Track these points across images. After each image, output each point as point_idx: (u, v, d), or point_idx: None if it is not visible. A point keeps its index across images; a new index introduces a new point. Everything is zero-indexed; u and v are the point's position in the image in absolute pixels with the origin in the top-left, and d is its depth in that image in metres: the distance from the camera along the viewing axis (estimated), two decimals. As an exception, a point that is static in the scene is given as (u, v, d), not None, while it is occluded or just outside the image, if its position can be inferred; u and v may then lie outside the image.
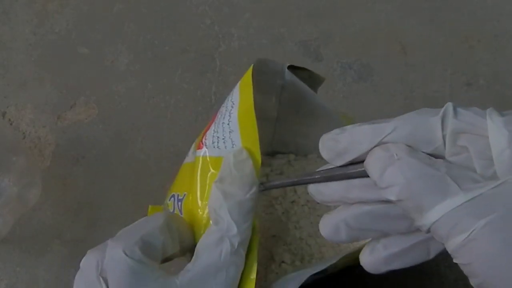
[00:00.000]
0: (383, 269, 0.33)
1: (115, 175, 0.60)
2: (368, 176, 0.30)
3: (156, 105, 0.64)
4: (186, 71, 0.66)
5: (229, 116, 0.40)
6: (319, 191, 0.33)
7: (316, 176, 0.33)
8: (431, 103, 0.62)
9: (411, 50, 0.67)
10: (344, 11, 0.71)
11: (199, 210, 0.38)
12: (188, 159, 0.43)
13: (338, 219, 0.32)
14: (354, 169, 0.31)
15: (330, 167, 0.33)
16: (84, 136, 0.62)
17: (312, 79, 0.48)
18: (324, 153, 0.32)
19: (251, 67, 0.41)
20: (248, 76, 0.41)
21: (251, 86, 0.41)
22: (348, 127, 0.31)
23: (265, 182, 0.36)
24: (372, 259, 0.33)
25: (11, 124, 0.63)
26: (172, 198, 0.41)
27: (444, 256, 0.54)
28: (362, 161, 0.30)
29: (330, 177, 0.32)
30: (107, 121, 0.63)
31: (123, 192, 0.59)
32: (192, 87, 0.65)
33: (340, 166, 0.32)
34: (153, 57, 0.68)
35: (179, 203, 0.41)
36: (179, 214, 0.41)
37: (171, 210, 0.41)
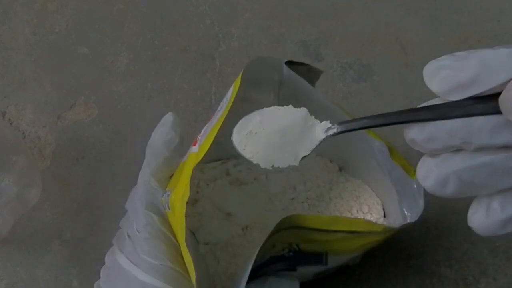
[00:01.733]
0: (499, 232, 0.27)
1: (115, 175, 0.60)
2: (496, 114, 0.24)
3: (156, 105, 0.64)
4: (186, 71, 0.66)
5: (220, 114, 0.41)
6: (426, 132, 0.27)
7: (421, 113, 0.28)
8: (431, 103, 0.62)
9: (411, 50, 0.67)
10: (344, 11, 0.71)
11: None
12: (184, 157, 0.44)
13: (448, 170, 0.26)
14: (478, 104, 0.25)
15: (437, 102, 0.27)
16: (84, 136, 0.62)
17: (311, 73, 0.48)
18: (434, 84, 0.27)
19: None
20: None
21: (238, 86, 0.41)
22: (474, 51, 0.25)
23: (341, 123, 0.32)
24: (489, 221, 0.27)
25: (11, 124, 0.63)
26: (165, 195, 0.42)
27: (445, 256, 0.54)
28: (486, 96, 0.25)
29: (443, 114, 0.26)
30: (107, 121, 0.63)
31: (123, 192, 0.59)
32: (192, 87, 0.65)
33: (454, 102, 0.26)
34: (153, 57, 0.68)
35: (167, 198, 0.41)
36: (168, 210, 0.41)
37: (164, 206, 0.41)
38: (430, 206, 0.57)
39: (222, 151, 0.52)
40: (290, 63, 0.45)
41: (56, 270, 0.54)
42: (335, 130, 0.32)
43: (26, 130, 0.63)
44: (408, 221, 0.43)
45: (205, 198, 0.50)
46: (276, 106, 0.34)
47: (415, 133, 0.28)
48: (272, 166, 0.33)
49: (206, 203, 0.50)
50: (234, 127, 0.34)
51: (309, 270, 0.45)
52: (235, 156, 0.53)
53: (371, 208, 0.51)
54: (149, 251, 0.40)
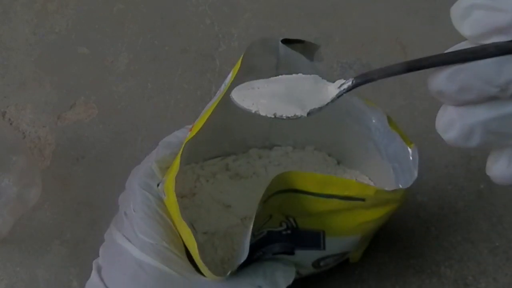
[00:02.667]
0: None
1: (115, 175, 0.60)
2: None
3: (156, 105, 0.64)
4: (186, 71, 0.66)
5: (216, 97, 0.41)
6: (458, 81, 0.24)
7: (450, 56, 0.24)
8: (431, 104, 0.62)
9: (411, 50, 0.67)
10: (344, 11, 0.71)
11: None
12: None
13: (475, 120, 0.24)
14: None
15: (467, 47, 0.24)
16: (84, 136, 0.62)
17: (307, 49, 0.47)
18: (465, 27, 0.24)
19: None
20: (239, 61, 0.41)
21: (237, 70, 0.40)
22: None
23: (357, 76, 0.28)
24: (510, 172, 0.25)
25: (11, 124, 0.63)
26: (161, 183, 0.42)
27: (445, 256, 0.54)
28: None
29: (476, 55, 0.23)
30: (107, 121, 0.63)
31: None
32: (192, 87, 0.65)
33: (489, 43, 0.23)
34: (153, 57, 0.68)
35: (162, 185, 0.42)
36: (164, 196, 0.42)
37: (160, 193, 0.42)
38: (430, 206, 0.57)
39: (222, 149, 0.53)
40: (286, 42, 0.44)
41: (56, 270, 0.54)
42: (349, 84, 0.28)
43: (26, 130, 0.63)
44: (401, 187, 0.42)
45: (204, 191, 0.50)
46: (284, 75, 0.31)
47: (443, 82, 0.25)
48: (274, 114, 0.29)
49: (205, 196, 0.50)
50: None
51: (307, 256, 0.44)
52: (235, 152, 0.53)
53: None
54: (145, 231, 0.40)
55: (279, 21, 0.70)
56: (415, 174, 0.41)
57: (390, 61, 0.70)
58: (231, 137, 0.52)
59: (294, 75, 0.31)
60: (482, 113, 0.24)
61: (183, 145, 0.41)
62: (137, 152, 0.61)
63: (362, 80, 0.28)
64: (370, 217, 0.42)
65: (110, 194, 0.59)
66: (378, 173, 0.49)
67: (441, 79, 0.25)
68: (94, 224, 0.57)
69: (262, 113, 0.29)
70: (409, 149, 0.43)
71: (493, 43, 0.23)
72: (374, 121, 0.46)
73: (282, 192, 0.40)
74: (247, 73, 0.43)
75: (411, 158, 0.42)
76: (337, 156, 0.54)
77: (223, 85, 0.43)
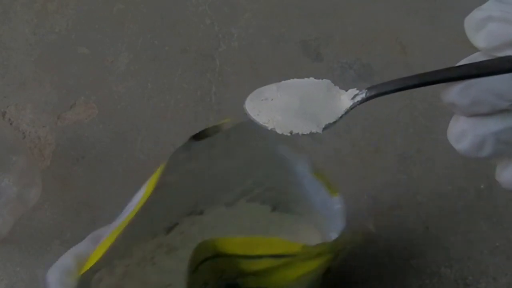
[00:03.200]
0: None
1: (115, 175, 0.60)
2: None
3: (156, 105, 0.64)
4: (186, 71, 0.66)
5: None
6: (471, 95, 0.24)
7: (463, 70, 0.24)
8: (431, 104, 0.62)
9: (411, 50, 0.67)
10: (344, 11, 0.71)
11: None
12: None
13: (487, 131, 0.24)
14: None
15: (480, 59, 0.24)
16: (84, 136, 0.62)
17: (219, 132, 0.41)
18: (479, 39, 0.24)
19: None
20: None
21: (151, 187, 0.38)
22: None
23: (371, 88, 0.28)
24: None
25: (11, 124, 0.63)
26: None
27: (445, 256, 0.54)
28: None
29: (490, 70, 0.23)
30: (107, 121, 0.63)
31: (123, 192, 0.59)
32: (192, 87, 0.65)
33: (502, 57, 0.23)
34: (153, 57, 0.68)
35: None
36: None
37: None
38: (430, 206, 0.57)
39: (152, 229, 0.46)
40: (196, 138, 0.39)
41: (56, 270, 0.54)
42: (363, 96, 0.28)
43: (26, 130, 0.63)
44: (326, 239, 0.40)
45: (136, 280, 0.45)
46: (295, 79, 0.30)
47: (456, 96, 0.25)
48: (291, 132, 0.29)
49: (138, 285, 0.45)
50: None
51: None
52: (166, 226, 0.47)
53: (311, 240, 0.47)
54: None
55: (279, 21, 0.70)
56: (342, 224, 0.38)
57: (390, 61, 0.70)
58: (159, 215, 0.46)
59: (305, 79, 0.30)
60: (493, 124, 0.24)
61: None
62: (137, 152, 0.61)
63: (376, 92, 0.27)
64: (308, 268, 0.39)
65: (110, 194, 0.59)
66: (315, 217, 0.47)
67: (454, 93, 0.25)
68: (94, 224, 0.57)
69: (279, 131, 0.29)
70: (334, 199, 0.40)
71: (506, 57, 0.23)
72: (300, 167, 0.43)
73: (211, 258, 0.37)
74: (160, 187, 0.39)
75: (335, 208, 0.40)
76: (271, 202, 0.50)
77: (135, 200, 0.40)
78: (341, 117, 0.29)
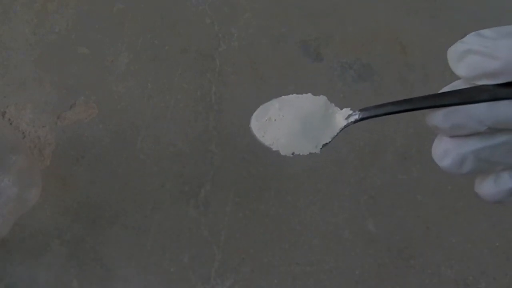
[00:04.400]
0: (505, 199, 0.29)
1: (115, 175, 0.60)
2: None
3: (156, 105, 0.64)
4: (186, 71, 0.66)
5: None
6: (452, 120, 0.27)
7: (446, 98, 0.27)
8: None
9: (411, 50, 0.67)
10: (344, 11, 0.71)
11: None
12: None
13: (467, 150, 0.27)
14: (505, 88, 0.25)
15: (460, 86, 0.27)
16: (84, 136, 0.62)
17: None
18: (460, 68, 0.26)
19: None
20: None
21: None
22: (503, 33, 0.25)
23: (363, 110, 0.31)
24: (497, 189, 0.29)
25: (11, 124, 0.63)
26: None
27: (445, 256, 0.54)
28: None
29: (469, 98, 0.26)
30: (107, 121, 0.63)
31: (123, 192, 0.59)
32: (192, 87, 0.65)
33: (480, 86, 0.26)
34: (153, 57, 0.68)
35: None
36: None
37: None
38: (430, 206, 0.57)
39: None
40: None
41: (56, 270, 0.54)
42: (356, 117, 0.31)
43: (26, 130, 0.63)
44: None
45: None
46: (294, 94, 0.33)
47: (439, 120, 0.27)
48: (293, 153, 0.32)
49: None
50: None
51: None
52: None
53: None
54: None
55: (279, 21, 0.70)
56: None
57: (390, 61, 0.70)
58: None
59: (304, 96, 0.33)
60: (473, 144, 0.27)
61: None
62: (137, 152, 0.61)
63: (368, 115, 0.30)
64: None
65: (110, 194, 0.59)
66: None
67: (438, 118, 0.28)
68: (94, 224, 0.57)
69: (282, 153, 0.32)
70: None
71: (482, 86, 0.26)
72: None
73: None
74: None
75: None
76: None
77: None
78: (336, 135, 0.32)
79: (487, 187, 0.29)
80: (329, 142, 0.32)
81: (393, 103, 0.29)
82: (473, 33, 0.26)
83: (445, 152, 0.28)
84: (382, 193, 0.58)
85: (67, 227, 0.57)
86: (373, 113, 0.30)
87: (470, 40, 0.26)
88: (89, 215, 0.57)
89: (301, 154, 0.32)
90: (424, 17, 0.69)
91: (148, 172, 0.60)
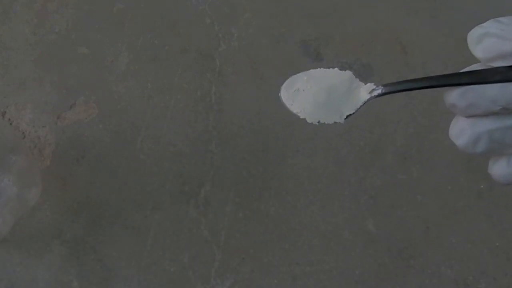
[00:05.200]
0: None
1: (115, 175, 0.60)
2: None
3: (156, 105, 0.64)
4: (186, 71, 0.66)
5: None
6: (468, 99, 0.28)
7: (463, 77, 0.28)
8: (431, 103, 0.62)
9: (411, 50, 0.67)
10: (344, 11, 0.71)
11: None
12: None
13: (481, 130, 0.29)
14: None
15: (478, 68, 0.29)
16: (84, 136, 0.62)
17: None
18: (478, 50, 0.28)
19: None
20: None
21: None
22: None
23: (386, 85, 0.32)
24: (509, 171, 0.30)
25: (11, 124, 0.63)
26: None
27: (445, 256, 0.54)
28: None
29: (484, 79, 0.28)
30: (107, 121, 0.63)
31: (123, 192, 0.59)
32: (192, 87, 0.65)
33: (495, 68, 0.28)
34: (153, 57, 0.68)
35: None
36: None
37: None
38: (430, 206, 0.57)
39: None
40: None
41: (56, 270, 0.54)
42: (379, 91, 0.32)
43: (26, 130, 0.63)
44: None
45: None
46: (322, 68, 0.35)
47: (456, 98, 0.29)
48: (318, 121, 0.34)
49: None
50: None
51: None
52: None
53: None
54: None
55: (279, 21, 0.70)
56: None
57: (390, 61, 0.70)
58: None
59: (331, 70, 0.35)
60: (487, 124, 0.29)
61: None
62: (137, 152, 0.61)
63: (390, 90, 0.32)
64: None
65: (110, 194, 0.59)
66: None
67: (455, 96, 0.29)
68: (94, 224, 0.57)
69: (309, 121, 0.34)
70: None
71: (498, 68, 0.27)
72: None
73: None
74: None
75: None
76: None
77: None
78: (359, 108, 0.33)
79: (500, 168, 0.30)
80: (353, 113, 0.33)
81: (413, 80, 0.31)
82: (491, 19, 0.28)
83: (461, 131, 0.29)
84: (382, 193, 0.58)
85: (67, 227, 0.57)
86: (394, 89, 0.32)
87: (488, 25, 0.28)
88: (89, 215, 0.57)
89: (326, 122, 0.34)
90: (424, 17, 0.69)
91: (148, 172, 0.60)
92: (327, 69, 0.35)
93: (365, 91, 0.33)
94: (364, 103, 0.33)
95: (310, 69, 0.35)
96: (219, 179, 0.60)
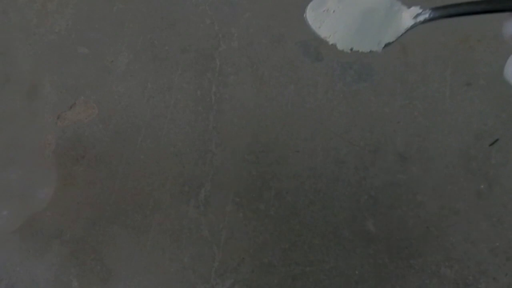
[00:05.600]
0: None
1: (115, 175, 0.60)
2: None
3: (156, 105, 0.64)
4: (186, 71, 0.66)
5: None
6: None
7: None
8: (431, 103, 0.62)
9: (411, 50, 0.67)
10: (344, 11, 0.70)
11: None
12: None
13: None
14: None
15: None
16: (84, 136, 0.62)
17: None
18: None
19: None
20: None
21: None
22: None
23: (435, 9, 0.28)
24: None
25: (11, 124, 0.63)
26: None
27: (445, 256, 0.54)
28: None
29: None
30: (107, 121, 0.63)
31: (123, 192, 0.59)
32: (192, 87, 0.65)
33: None
34: (153, 57, 0.68)
35: None
36: None
37: None
38: (430, 206, 0.57)
39: None
40: None
41: (56, 270, 0.54)
42: (426, 16, 0.28)
43: (26, 130, 0.63)
44: None
45: None
46: None
47: None
48: (351, 49, 0.29)
49: None
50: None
51: None
52: None
53: None
54: None
55: (279, 20, 0.70)
56: None
57: (390, 61, 0.70)
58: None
59: None
60: None
61: None
62: (137, 152, 0.61)
63: (440, 14, 0.27)
64: None
65: (110, 194, 0.59)
66: None
67: None
68: (94, 224, 0.57)
69: (340, 48, 0.29)
70: None
71: None
72: None
73: None
74: None
75: None
76: None
77: None
78: (401, 35, 0.29)
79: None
80: (393, 41, 0.29)
81: (469, 3, 0.27)
82: None
83: None
84: (382, 193, 0.58)
85: (67, 227, 0.57)
86: (445, 13, 0.27)
87: None
88: (89, 215, 0.57)
89: (360, 50, 0.29)
90: (424, 17, 0.69)
91: (148, 172, 0.60)
92: None
93: (408, 16, 0.29)
94: (407, 30, 0.29)
95: None
96: (219, 179, 0.60)
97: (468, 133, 0.60)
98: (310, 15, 0.30)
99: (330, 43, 0.29)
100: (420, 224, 0.56)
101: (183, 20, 0.70)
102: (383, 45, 0.29)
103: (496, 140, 0.60)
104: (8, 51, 0.69)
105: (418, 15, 0.28)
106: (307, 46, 0.68)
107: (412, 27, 0.28)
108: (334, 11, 0.30)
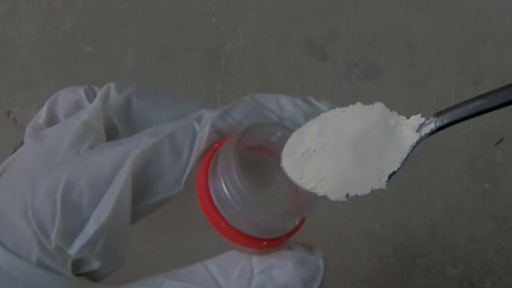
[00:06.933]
0: None
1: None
2: None
3: (162, 104, 0.64)
4: (191, 70, 0.66)
5: None
6: None
7: None
8: (436, 102, 0.62)
9: (417, 49, 0.67)
10: (350, 10, 0.70)
11: None
12: None
13: None
14: None
15: None
16: (90, 135, 0.62)
17: None
18: None
19: None
20: None
21: None
22: None
23: (439, 114, 0.22)
24: None
25: (15, 123, 0.63)
26: None
27: (450, 255, 0.54)
28: None
29: None
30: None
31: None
32: (197, 86, 0.65)
33: None
34: (159, 56, 0.68)
35: None
36: None
37: None
38: (435, 206, 0.57)
39: None
40: None
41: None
42: (432, 127, 0.22)
43: (32, 128, 0.63)
44: None
45: None
46: (337, 108, 0.23)
47: None
48: (347, 195, 0.22)
49: None
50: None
51: None
52: None
53: None
54: None
55: (285, 19, 0.70)
56: None
57: (396, 60, 0.70)
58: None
59: (351, 107, 0.23)
60: None
61: None
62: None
63: (450, 120, 0.21)
64: None
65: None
66: None
67: None
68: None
69: (332, 198, 0.23)
70: None
71: None
72: None
73: None
74: None
75: None
76: None
77: None
78: (406, 157, 0.22)
79: None
80: (398, 169, 0.22)
81: (481, 98, 0.21)
82: None
83: None
84: (388, 193, 0.58)
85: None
86: (457, 116, 0.21)
87: None
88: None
89: (359, 194, 0.22)
90: (431, 16, 0.69)
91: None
92: (345, 108, 0.23)
93: (409, 129, 0.22)
94: (413, 149, 0.22)
95: (320, 113, 0.24)
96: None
97: (474, 132, 0.60)
98: (287, 162, 0.23)
99: (320, 194, 0.23)
100: (426, 223, 0.56)
101: (188, 19, 0.71)
102: (386, 178, 0.22)
103: (502, 139, 0.60)
104: (14, 49, 0.69)
105: (421, 125, 0.22)
106: (313, 45, 0.68)
107: (417, 143, 0.22)
108: (315, 151, 0.23)
